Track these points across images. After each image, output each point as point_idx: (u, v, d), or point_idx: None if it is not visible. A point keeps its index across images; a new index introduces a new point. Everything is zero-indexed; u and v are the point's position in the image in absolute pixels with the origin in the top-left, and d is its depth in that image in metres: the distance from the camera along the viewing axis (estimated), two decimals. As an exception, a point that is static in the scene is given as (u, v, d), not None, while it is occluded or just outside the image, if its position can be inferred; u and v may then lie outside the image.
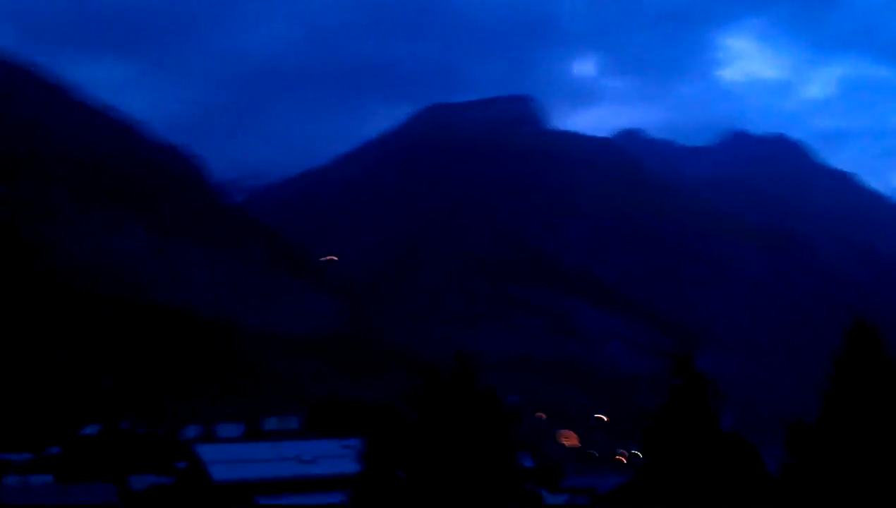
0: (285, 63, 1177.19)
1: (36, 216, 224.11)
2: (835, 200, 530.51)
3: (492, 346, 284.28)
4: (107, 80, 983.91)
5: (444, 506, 33.33)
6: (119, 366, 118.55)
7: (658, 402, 40.83)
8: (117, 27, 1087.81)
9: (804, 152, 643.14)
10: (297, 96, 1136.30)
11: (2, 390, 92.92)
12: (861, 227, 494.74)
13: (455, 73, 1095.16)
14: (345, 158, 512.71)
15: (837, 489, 32.51)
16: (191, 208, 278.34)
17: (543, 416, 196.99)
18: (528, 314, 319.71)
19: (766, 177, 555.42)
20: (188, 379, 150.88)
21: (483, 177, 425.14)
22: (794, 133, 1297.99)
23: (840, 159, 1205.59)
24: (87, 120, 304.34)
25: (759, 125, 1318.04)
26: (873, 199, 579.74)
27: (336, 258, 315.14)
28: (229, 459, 54.61)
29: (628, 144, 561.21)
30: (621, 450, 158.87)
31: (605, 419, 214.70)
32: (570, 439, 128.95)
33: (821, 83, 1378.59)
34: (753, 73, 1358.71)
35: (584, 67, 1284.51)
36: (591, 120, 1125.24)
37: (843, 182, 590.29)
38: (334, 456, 54.50)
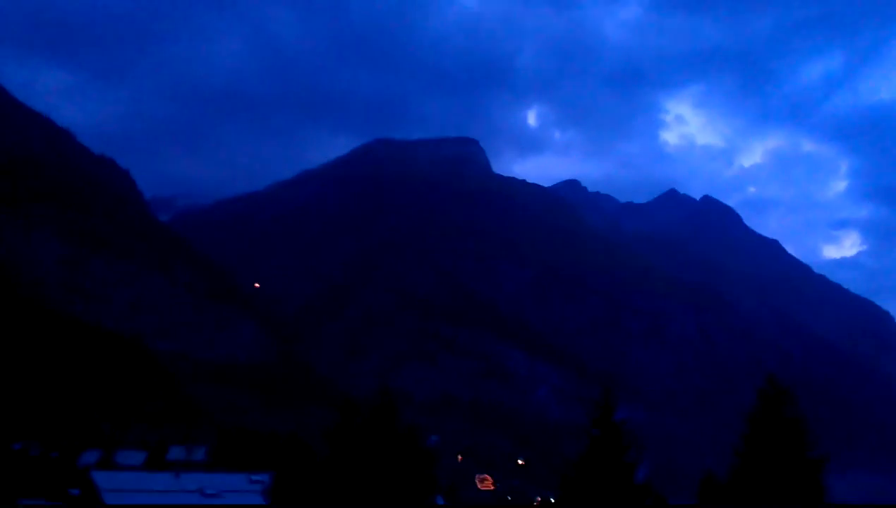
0: (234, 83, 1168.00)
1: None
2: (760, 265, 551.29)
3: (418, 385, 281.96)
4: (47, 86, 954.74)
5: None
6: (15, 380, 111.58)
7: (578, 451, 41.15)
8: (64, 33, 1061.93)
9: (735, 217, 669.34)
10: (241, 117, 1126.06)
11: None
12: (783, 293, 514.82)
13: (404, 109, 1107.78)
14: (284, 184, 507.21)
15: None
16: (117, 221, 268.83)
17: (461, 459, 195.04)
18: (457, 355, 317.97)
19: (697, 238, 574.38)
20: (91, 398, 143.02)
21: (423, 215, 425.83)
22: (726, 198, 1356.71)
23: (766, 226, 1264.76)
24: (20, 122, 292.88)
25: (694, 187, 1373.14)
26: (795, 267, 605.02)
27: (258, 285, 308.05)
28: (126, 488, 51.28)
29: (568, 195, 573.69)
30: (538, 497, 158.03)
31: (524, 464, 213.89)
32: (486, 483, 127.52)
33: (754, 153, 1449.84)
34: (692, 138, 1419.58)
35: (532, 116, 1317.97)
36: (534, 168, 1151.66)
37: (769, 248, 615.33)
38: (240, 491, 51.88)
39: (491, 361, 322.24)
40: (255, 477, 52.01)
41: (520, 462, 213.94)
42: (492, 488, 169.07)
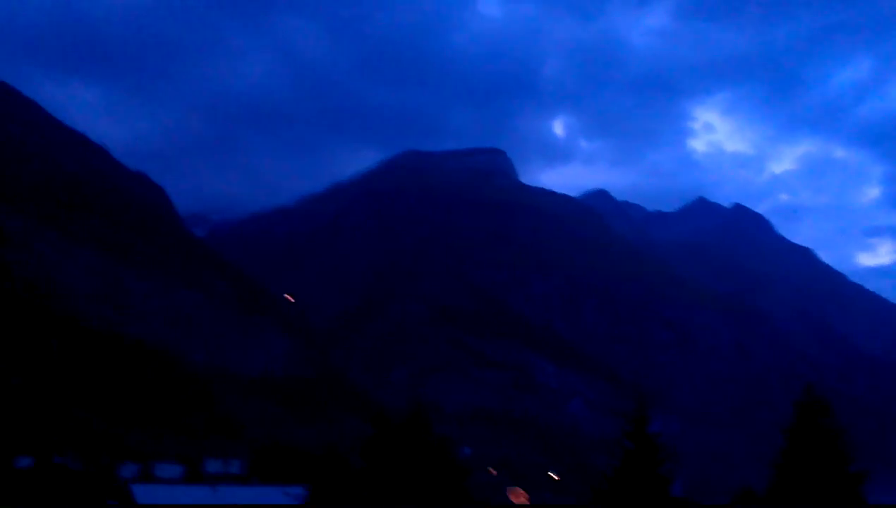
0: (265, 98, 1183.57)
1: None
2: (793, 274, 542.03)
3: (449, 397, 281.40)
4: (81, 103, 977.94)
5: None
6: (54, 394, 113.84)
7: (612, 464, 40.84)
8: (98, 50, 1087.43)
9: (766, 225, 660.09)
10: (272, 132, 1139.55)
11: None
12: (817, 302, 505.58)
13: (432, 121, 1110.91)
14: (314, 198, 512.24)
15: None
16: (152, 237, 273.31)
17: (493, 472, 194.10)
18: (488, 367, 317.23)
19: (728, 247, 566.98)
20: (130, 412, 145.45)
21: (452, 227, 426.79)
22: (757, 205, 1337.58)
23: (799, 234, 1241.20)
24: (56, 140, 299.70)
25: (723, 195, 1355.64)
26: (830, 276, 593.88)
27: (292, 299, 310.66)
28: (164, 501, 52.31)
29: (596, 204, 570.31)
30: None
31: (557, 478, 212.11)
32: (518, 496, 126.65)
33: (784, 159, 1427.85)
34: (721, 145, 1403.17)
35: (558, 126, 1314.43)
36: (562, 178, 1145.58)
37: (802, 256, 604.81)
38: (276, 504, 52.57)
39: (522, 372, 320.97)
40: (290, 490, 52.63)
41: (552, 475, 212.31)
42: (525, 501, 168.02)
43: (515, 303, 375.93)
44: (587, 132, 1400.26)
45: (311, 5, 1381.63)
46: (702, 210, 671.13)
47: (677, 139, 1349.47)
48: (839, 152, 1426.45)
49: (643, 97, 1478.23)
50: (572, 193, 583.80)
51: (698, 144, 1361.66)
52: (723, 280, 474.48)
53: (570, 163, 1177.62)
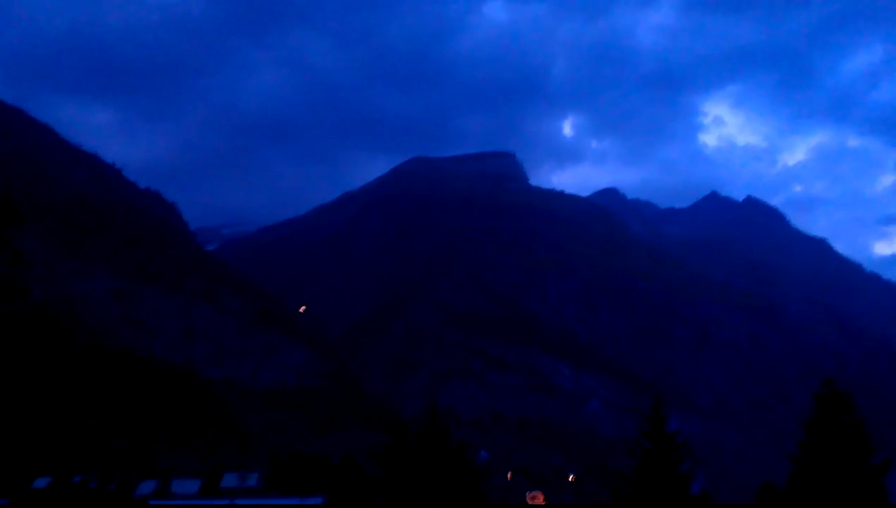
0: (275, 111, 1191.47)
1: (5, 258, 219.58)
2: (809, 266, 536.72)
3: (466, 402, 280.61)
4: (94, 123, 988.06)
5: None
6: (72, 413, 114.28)
7: (631, 464, 40.01)
8: (110, 71, 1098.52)
9: (779, 217, 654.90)
10: (282, 144, 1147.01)
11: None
12: (834, 293, 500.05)
13: (441, 127, 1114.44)
14: (326, 208, 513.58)
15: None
16: (165, 254, 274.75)
17: (511, 476, 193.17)
18: (504, 371, 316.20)
19: (743, 241, 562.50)
20: (147, 429, 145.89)
21: (465, 231, 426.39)
22: (770, 198, 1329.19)
23: (814, 225, 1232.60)
24: (69, 162, 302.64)
25: (736, 189, 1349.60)
26: (846, 266, 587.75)
27: (304, 309, 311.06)
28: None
29: (608, 203, 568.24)
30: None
31: (575, 479, 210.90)
32: (537, 500, 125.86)
33: (796, 151, 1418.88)
34: (732, 139, 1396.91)
35: (567, 126, 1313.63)
36: (573, 178, 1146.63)
37: (817, 248, 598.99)
38: (294, 514, 52.35)
39: (538, 375, 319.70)
40: (308, 501, 52.47)
41: (571, 477, 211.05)
42: (543, 504, 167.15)
43: (530, 306, 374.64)
44: (596, 131, 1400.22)
45: (319, 17, 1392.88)
46: (714, 205, 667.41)
47: (687, 134, 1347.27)
48: (852, 141, 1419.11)
49: (652, 94, 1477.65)
50: (583, 193, 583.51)
51: (709, 139, 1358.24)
52: (738, 274, 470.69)
53: (580, 163, 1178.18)
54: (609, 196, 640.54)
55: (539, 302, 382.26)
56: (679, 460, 38.89)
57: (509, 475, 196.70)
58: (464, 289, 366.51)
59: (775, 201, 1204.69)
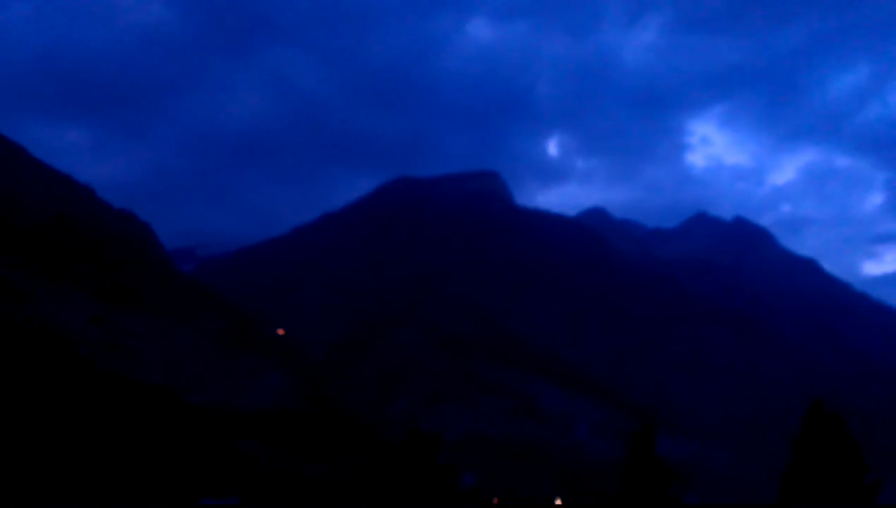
0: (254, 130, 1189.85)
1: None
2: (798, 285, 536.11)
3: (451, 425, 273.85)
4: (65, 144, 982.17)
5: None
6: (53, 439, 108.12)
7: (618, 487, 38.63)
8: (84, 91, 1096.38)
9: (768, 237, 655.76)
10: (262, 164, 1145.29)
11: None
12: (824, 314, 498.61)
13: (425, 146, 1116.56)
14: (306, 228, 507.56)
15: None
16: (141, 274, 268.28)
17: (497, 501, 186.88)
18: (490, 393, 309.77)
19: (731, 261, 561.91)
20: (122, 452, 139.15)
21: (449, 252, 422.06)
22: (758, 218, 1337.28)
23: (803, 245, 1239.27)
24: (43, 181, 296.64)
25: (724, 209, 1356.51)
26: (835, 286, 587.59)
27: (283, 332, 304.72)
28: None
29: (595, 223, 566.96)
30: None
31: (561, 504, 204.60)
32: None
33: (784, 170, 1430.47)
34: (719, 158, 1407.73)
35: (553, 146, 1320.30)
36: (559, 197, 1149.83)
37: (806, 267, 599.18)
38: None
39: (524, 398, 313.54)
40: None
41: (558, 501, 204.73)
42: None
43: (516, 327, 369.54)
44: (582, 150, 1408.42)
45: (302, 36, 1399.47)
46: (703, 225, 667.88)
47: (675, 154, 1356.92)
48: (841, 160, 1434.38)
49: (638, 113, 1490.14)
50: (570, 212, 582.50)
51: (696, 158, 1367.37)
52: (727, 295, 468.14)
53: (566, 183, 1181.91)
54: (596, 216, 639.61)
55: (525, 324, 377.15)
56: (667, 482, 37.76)
57: (495, 500, 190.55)
58: (448, 311, 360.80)
59: (763, 221, 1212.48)
